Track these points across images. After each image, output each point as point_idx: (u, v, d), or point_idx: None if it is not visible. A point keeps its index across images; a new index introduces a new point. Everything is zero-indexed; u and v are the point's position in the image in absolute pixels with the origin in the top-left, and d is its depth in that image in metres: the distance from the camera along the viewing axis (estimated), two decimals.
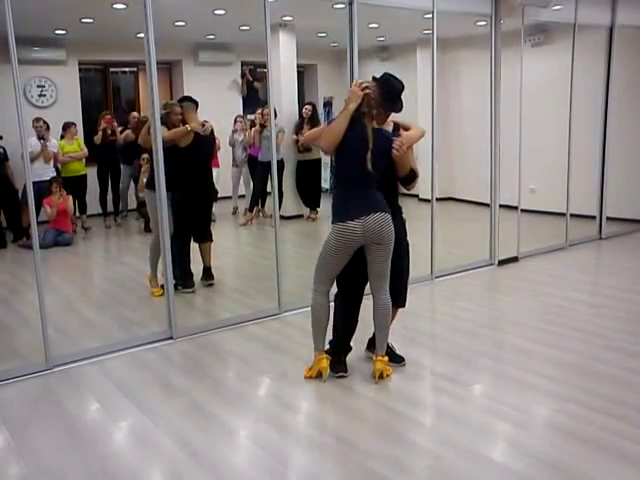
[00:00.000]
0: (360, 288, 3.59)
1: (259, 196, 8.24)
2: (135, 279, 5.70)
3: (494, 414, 3.15)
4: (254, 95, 10.10)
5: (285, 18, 7.73)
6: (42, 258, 3.84)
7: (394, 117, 3.58)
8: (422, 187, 7.12)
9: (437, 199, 5.70)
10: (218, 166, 8.16)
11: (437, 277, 5.62)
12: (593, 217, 7.24)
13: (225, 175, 8.49)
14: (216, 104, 9.27)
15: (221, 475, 2.70)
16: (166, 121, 4.93)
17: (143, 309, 5.01)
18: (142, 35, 4.03)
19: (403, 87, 3.49)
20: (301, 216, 8.49)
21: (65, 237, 7.31)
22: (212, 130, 5.47)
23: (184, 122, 5.17)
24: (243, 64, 10.13)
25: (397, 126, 3.53)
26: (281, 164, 7.67)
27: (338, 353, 3.63)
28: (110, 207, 8.37)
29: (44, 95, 8.74)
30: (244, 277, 5.95)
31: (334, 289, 3.60)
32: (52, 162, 7.51)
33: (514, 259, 6.22)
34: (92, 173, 8.16)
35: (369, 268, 3.44)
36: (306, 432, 3.11)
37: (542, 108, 7.53)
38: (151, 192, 5.10)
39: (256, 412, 3.29)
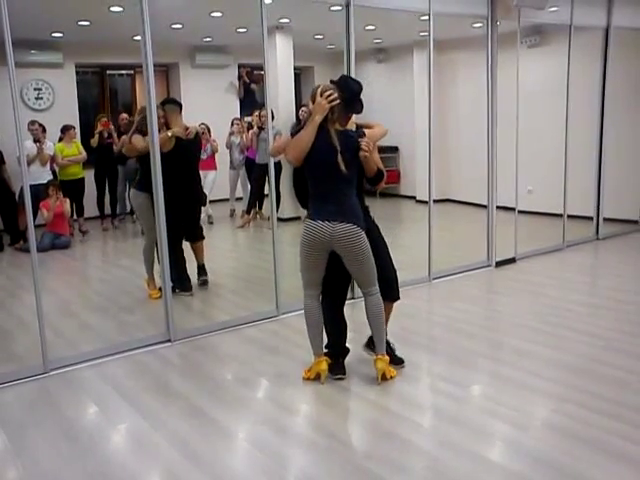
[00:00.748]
0: (340, 291, 3.60)
1: (256, 198, 8.24)
2: (133, 282, 5.70)
3: (492, 415, 3.16)
4: (251, 97, 10.12)
5: (282, 20, 7.73)
6: (39, 261, 3.83)
7: (358, 118, 3.60)
8: (419, 188, 7.20)
9: (434, 200, 5.72)
10: (215, 169, 8.17)
11: (435, 278, 5.63)
12: (590, 218, 7.25)
13: (222, 177, 8.49)
14: (213, 106, 9.32)
15: (219, 477, 2.70)
16: (144, 128, 4.61)
17: (141, 312, 5.01)
18: (139, 38, 4.03)
19: (361, 88, 3.51)
20: (299, 218, 8.47)
21: (62, 240, 7.30)
22: (197, 133, 5.35)
23: (167, 126, 5.01)
24: (240, 66, 10.14)
25: (359, 127, 3.51)
26: (278, 166, 7.68)
27: (335, 355, 3.64)
28: (107, 210, 8.37)
29: (41, 98, 8.74)
30: (242, 279, 5.95)
31: None
32: (49, 165, 7.50)
33: (511, 260, 6.23)
34: (89, 176, 8.15)
35: (352, 276, 3.49)
36: (304, 434, 3.11)
37: (538, 109, 7.56)
38: (138, 192, 5.09)
39: (254, 414, 3.29)
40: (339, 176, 3.27)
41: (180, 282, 5.16)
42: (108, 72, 9.75)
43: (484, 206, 6.20)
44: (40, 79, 8.68)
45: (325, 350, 3.63)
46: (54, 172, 7.68)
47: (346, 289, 3.66)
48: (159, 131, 4.60)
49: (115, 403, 3.43)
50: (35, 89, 8.67)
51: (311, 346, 3.56)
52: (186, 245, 5.40)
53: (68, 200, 7.49)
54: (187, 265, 5.33)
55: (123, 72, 9.96)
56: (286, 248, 5.62)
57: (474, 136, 6.83)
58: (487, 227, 6.14)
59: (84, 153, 7.94)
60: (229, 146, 8.60)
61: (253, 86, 10.16)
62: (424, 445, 2.91)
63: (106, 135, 8.18)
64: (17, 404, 3.48)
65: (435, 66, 5.57)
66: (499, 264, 6.12)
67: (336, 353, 3.64)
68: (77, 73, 9.12)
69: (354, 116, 3.57)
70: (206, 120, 7.80)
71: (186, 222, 5.35)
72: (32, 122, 7.39)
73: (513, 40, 6.03)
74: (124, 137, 7.90)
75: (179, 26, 7.60)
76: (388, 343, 3.69)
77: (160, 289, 4.79)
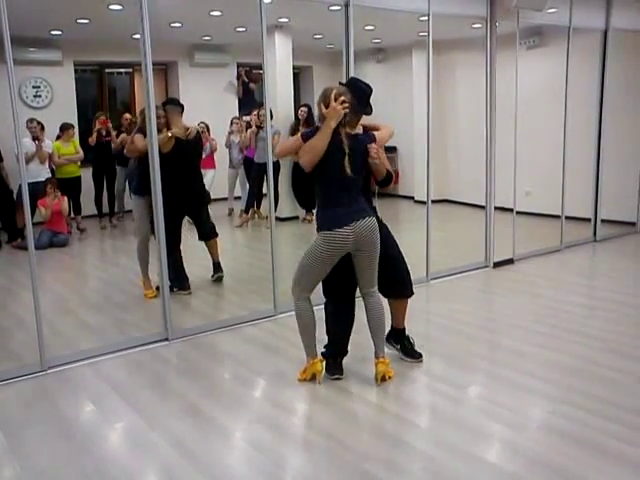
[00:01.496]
0: (351, 291, 3.60)
1: (255, 197, 8.23)
2: (130, 280, 5.69)
3: (489, 416, 3.16)
4: (250, 97, 10.10)
5: (281, 20, 7.73)
6: (37, 259, 3.83)
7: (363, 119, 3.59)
8: (418, 189, 7.21)
9: (433, 201, 5.71)
10: (214, 167, 8.16)
11: (432, 279, 5.63)
12: (588, 219, 7.26)
13: (221, 176, 8.48)
14: (212, 105, 9.30)
15: (216, 476, 2.70)
16: (144, 129, 4.58)
17: (138, 310, 5.01)
18: (138, 36, 4.02)
19: (371, 90, 3.52)
20: (297, 218, 8.49)
21: (60, 238, 7.29)
22: (198, 133, 5.35)
23: (168, 126, 5.02)
24: (239, 65, 10.12)
25: (366, 128, 3.52)
26: (277, 166, 7.67)
27: (334, 355, 3.64)
28: (105, 208, 8.36)
29: (39, 96, 8.72)
30: (240, 278, 5.95)
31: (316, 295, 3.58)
32: (47, 163, 7.50)
33: (509, 261, 6.23)
34: (87, 174, 8.14)
35: (358, 274, 3.46)
36: (301, 433, 3.11)
37: (537, 110, 7.56)
38: (137, 197, 5.11)
39: (251, 413, 3.29)
40: (350, 178, 3.28)
41: (178, 281, 5.16)
42: (107, 70, 9.72)
43: (482, 207, 6.20)
44: (39, 77, 8.65)
45: (323, 350, 3.63)
46: (52, 170, 7.68)
47: (354, 289, 3.62)
48: (160, 132, 4.65)
49: (112, 401, 3.43)
50: (34, 87, 8.64)
51: (305, 348, 3.55)
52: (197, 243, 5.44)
53: (66, 198, 7.48)
54: (200, 262, 5.33)
55: (122, 70, 9.94)
56: (284, 248, 5.63)
57: (473, 137, 6.84)
58: (485, 228, 6.15)
59: (81, 152, 7.92)
60: (228, 145, 8.60)
61: (252, 85, 10.14)
62: (421, 445, 2.92)
63: (104, 133, 8.17)
64: (14, 402, 3.47)
65: (434, 66, 5.57)
66: (497, 265, 6.13)
67: (335, 353, 3.64)
68: (76, 71, 9.09)
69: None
70: (205, 119, 7.79)
71: (195, 222, 5.44)
72: (30, 120, 7.37)
73: (512, 41, 6.04)
74: (123, 135, 7.93)
75: (178, 25, 7.59)
76: (408, 338, 3.84)
77: (157, 288, 4.79)
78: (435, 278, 5.65)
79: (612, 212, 7.33)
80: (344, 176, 3.27)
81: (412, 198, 8.23)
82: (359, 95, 3.41)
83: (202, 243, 5.56)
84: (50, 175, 7.51)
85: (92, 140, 8.11)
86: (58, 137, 7.80)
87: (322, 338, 3.64)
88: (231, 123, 8.70)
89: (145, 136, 4.70)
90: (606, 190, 7.16)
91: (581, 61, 6.74)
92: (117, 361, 3.99)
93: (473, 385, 3.57)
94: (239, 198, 8.70)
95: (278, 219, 5.52)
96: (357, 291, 3.59)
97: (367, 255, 3.37)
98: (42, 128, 7.48)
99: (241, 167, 8.57)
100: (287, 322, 4.59)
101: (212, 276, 5.58)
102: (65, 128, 7.80)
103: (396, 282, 3.63)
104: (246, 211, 8.23)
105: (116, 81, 10.14)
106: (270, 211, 4.87)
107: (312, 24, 7.70)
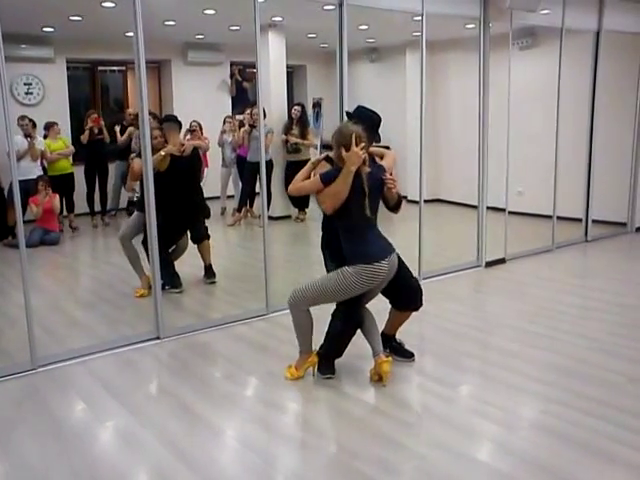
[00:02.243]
0: (361, 303, 3.59)
1: (248, 196, 8.23)
2: (122, 279, 5.67)
3: (480, 415, 3.17)
4: (243, 95, 10.08)
5: (275, 19, 7.72)
6: (28, 257, 3.81)
7: None
8: (410, 188, 7.22)
9: (425, 201, 5.73)
10: (207, 166, 8.14)
11: (425, 278, 5.64)
12: (579, 220, 7.30)
13: (214, 175, 8.47)
14: (205, 104, 9.29)
15: (208, 476, 2.69)
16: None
17: (130, 309, 4.99)
18: (131, 34, 4.01)
19: (380, 119, 3.57)
20: (289, 217, 8.49)
21: (52, 236, 7.26)
22: (195, 149, 5.34)
23: (167, 144, 5.05)
24: (232, 64, 10.10)
25: (370, 155, 3.47)
26: (270, 165, 7.68)
27: (330, 356, 3.64)
28: (97, 206, 8.33)
29: (31, 93, 8.67)
30: (232, 277, 5.94)
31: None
32: (39, 161, 7.46)
33: (501, 261, 6.25)
34: (79, 172, 8.11)
35: (372, 293, 3.52)
36: (293, 433, 3.11)
37: (529, 111, 7.59)
38: (141, 214, 5.07)
39: (243, 412, 3.29)
40: (369, 214, 3.32)
41: (169, 278, 5.15)
42: (99, 68, 9.67)
43: (474, 206, 6.22)
44: (30, 74, 8.60)
45: (319, 349, 3.63)
46: (44, 168, 7.64)
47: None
48: (159, 150, 4.80)
49: (103, 400, 3.42)
50: (25, 84, 8.60)
51: (301, 345, 3.56)
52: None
53: (57, 196, 7.44)
54: (192, 261, 5.34)
55: (115, 68, 9.90)
56: (276, 247, 5.62)
57: (465, 137, 6.86)
58: (477, 227, 6.17)
59: (71, 147, 7.95)
60: (221, 144, 8.58)
61: (245, 84, 10.13)
62: (412, 445, 2.92)
63: (96, 131, 8.14)
64: (4, 401, 3.45)
65: (427, 66, 5.58)
66: (489, 264, 6.15)
67: (332, 354, 3.64)
68: (68, 68, 9.04)
69: None
70: (198, 117, 7.77)
71: (190, 228, 5.43)
72: (22, 117, 7.34)
73: (505, 42, 6.06)
74: (131, 129, 7.95)
75: (172, 23, 7.57)
76: (395, 339, 3.89)
77: (150, 287, 4.76)
78: (427, 278, 5.66)
79: (603, 212, 7.37)
80: (365, 214, 3.30)
81: (405, 198, 8.22)
82: (369, 125, 3.40)
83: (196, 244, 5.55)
84: (42, 173, 7.48)
85: (84, 138, 8.09)
86: (45, 136, 7.77)
87: (318, 339, 3.63)
88: (224, 122, 8.68)
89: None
90: (597, 190, 7.20)
91: (573, 62, 6.77)
92: (108, 360, 3.97)
93: (465, 384, 3.58)
94: (232, 197, 8.70)
95: (271, 218, 5.52)
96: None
97: (381, 286, 3.47)
98: (34, 125, 7.44)
99: (234, 166, 8.56)
100: (279, 321, 4.59)
101: (205, 279, 5.56)
102: (49, 126, 7.80)
103: (409, 296, 3.67)
104: (239, 210, 8.22)
105: (109, 79, 10.10)
106: (263, 210, 4.87)
107: (306, 23, 7.70)
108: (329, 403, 3.36)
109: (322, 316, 3.58)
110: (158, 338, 4.27)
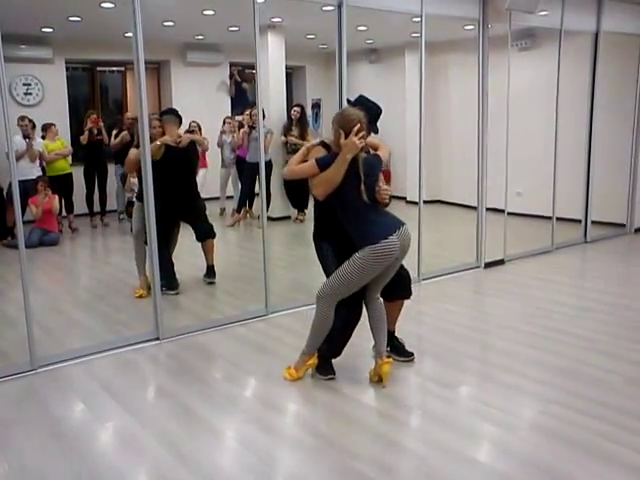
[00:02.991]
0: (362, 296, 3.56)
1: (247, 197, 8.23)
2: (122, 279, 5.67)
3: (480, 416, 3.17)
4: (242, 96, 10.09)
5: (274, 19, 7.73)
6: (27, 258, 3.81)
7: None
8: (410, 189, 7.26)
9: (425, 201, 5.73)
10: (206, 167, 8.15)
11: (424, 279, 5.64)
12: (579, 221, 7.30)
13: (213, 176, 8.47)
14: (204, 105, 9.29)
15: (207, 476, 2.69)
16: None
17: (129, 310, 4.99)
18: (130, 34, 4.01)
19: (381, 110, 3.56)
20: (289, 217, 8.50)
21: (51, 237, 7.25)
22: (192, 142, 5.37)
23: (164, 135, 5.07)
24: (232, 65, 10.11)
25: (366, 147, 3.48)
26: (269, 165, 7.68)
27: (329, 357, 3.64)
28: (97, 207, 8.33)
29: (30, 93, 8.67)
30: (231, 278, 5.94)
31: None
32: (38, 161, 7.46)
33: (500, 262, 6.26)
34: (79, 173, 8.11)
35: (377, 283, 3.44)
36: (292, 433, 3.11)
37: (529, 112, 7.60)
38: (139, 203, 5.11)
39: (242, 413, 3.29)
40: (367, 199, 3.31)
41: (166, 280, 5.14)
42: (99, 69, 9.68)
43: (474, 208, 6.22)
44: (29, 74, 8.61)
45: (317, 351, 3.63)
46: (43, 168, 7.64)
47: (363, 294, 3.56)
48: (154, 140, 4.75)
49: (102, 401, 3.41)
50: (24, 84, 8.60)
51: (309, 347, 3.54)
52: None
53: (57, 196, 7.45)
54: (192, 261, 5.33)
55: (114, 69, 9.90)
56: (276, 247, 5.62)
57: (465, 138, 6.87)
58: (477, 228, 6.17)
59: (69, 147, 7.99)
60: (220, 145, 8.58)
61: (244, 85, 10.13)
62: (412, 445, 2.93)
63: (96, 132, 8.14)
64: (3, 402, 3.45)
65: (427, 68, 5.59)
66: (488, 265, 6.15)
67: (332, 354, 3.64)
68: (67, 69, 9.05)
69: None
70: (197, 118, 7.77)
71: (192, 224, 5.44)
72: (22, 118, 7.34)
73: (504, 43, 6.06)
74: (124, 133, 7.94)
75: (171, 24, 7.57)
76: (397, 337, 3.86)
77: (149, 287, 4.77)
78: (426, 279, 5.66)
79: (602, 213, 7.38)
80: (361, 198, 3.29)
81: (404, 199, 8.23)
82: (370, 115, 3.41)
83: (198, 244, 5.53)
84: (41, 173, 7.48)
85: (84, 139, 8.09)
86: (43, 137, 7.77)
87: None
88: (223, 123, 8.69)
89: (138, 147, 4.77)
90: (597, 192, 7.20)
91: (572, 63, 6.78)
92: (108, 360, 3.97)
93: (464, 385, 3.58)
94: (231, 198, 8.70)
95: (270, 219, 5.51)
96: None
97: (398, 262, 3.41)
98: (33, 126, 7.44)
99: (233, 167, 8.57)
100: (279, 322, 4.59)
101: (204, 279, 5.56)
102: (47, 127, 7.82)
103: (397, 284, 3.63)
104: (238, 210, 8.22)
105: (108, 79, 10.10)
106: (262, 211, 4.87)
107: (305, 24, 7.71)
108: (328, 404, 3.36)
109: None
110: (157, 339, 4.27)
